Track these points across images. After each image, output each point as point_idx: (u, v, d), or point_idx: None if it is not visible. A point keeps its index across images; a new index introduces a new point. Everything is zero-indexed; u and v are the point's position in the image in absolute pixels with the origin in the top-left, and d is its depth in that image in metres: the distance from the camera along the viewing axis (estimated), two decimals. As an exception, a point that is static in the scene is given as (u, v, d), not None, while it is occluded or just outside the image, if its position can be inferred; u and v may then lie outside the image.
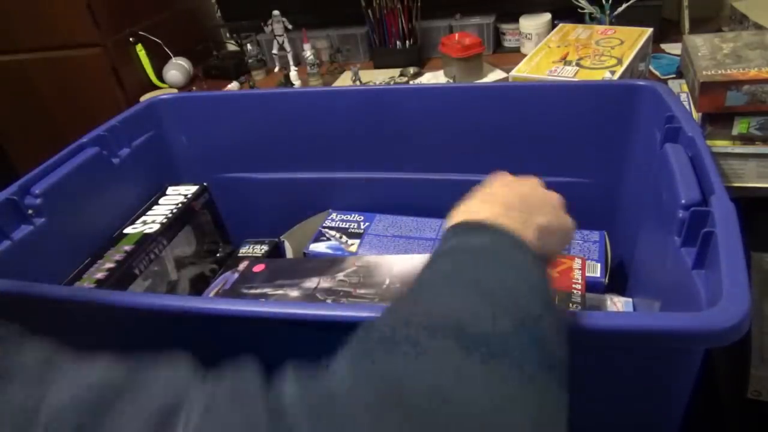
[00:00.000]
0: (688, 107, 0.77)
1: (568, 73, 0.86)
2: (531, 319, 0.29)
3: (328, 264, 0.71)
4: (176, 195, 0.82)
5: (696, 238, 0.45)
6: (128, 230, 0.75)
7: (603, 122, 0.73)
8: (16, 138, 1.60)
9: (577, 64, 0.89)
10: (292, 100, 0.83)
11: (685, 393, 0.44)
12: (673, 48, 1.17)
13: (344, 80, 1.34)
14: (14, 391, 0.25)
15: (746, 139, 0.72)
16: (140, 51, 1.43)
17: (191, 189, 0.83)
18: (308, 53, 1.33)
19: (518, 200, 0.38)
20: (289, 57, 1.40)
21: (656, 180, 0.59)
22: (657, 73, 1.08)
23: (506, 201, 0.37)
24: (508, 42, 1.36)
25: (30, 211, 0.64)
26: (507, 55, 1.33)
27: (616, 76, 0.83)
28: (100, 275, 0.66)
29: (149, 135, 0.84)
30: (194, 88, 1.46)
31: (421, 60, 1.36)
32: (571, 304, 0.61)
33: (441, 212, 0.81)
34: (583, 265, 0.67)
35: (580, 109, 0.73)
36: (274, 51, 1.44)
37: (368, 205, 0.86)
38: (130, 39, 1.42)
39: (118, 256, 0.69)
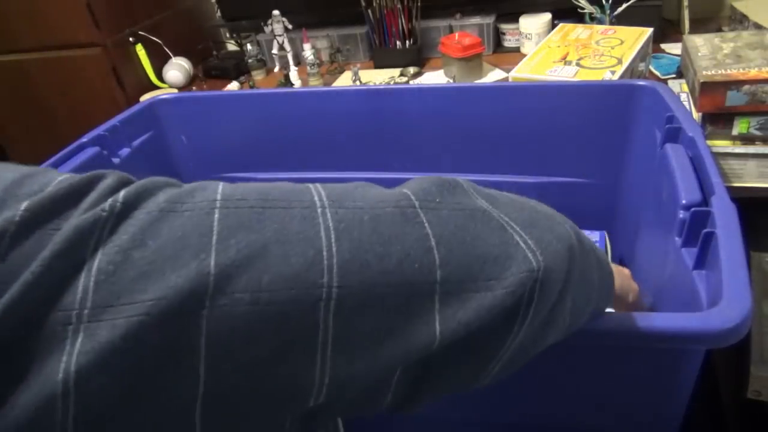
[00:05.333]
0: (688, 107, 0.77)
1: (568, 73, 0.86)
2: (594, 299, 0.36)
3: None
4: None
5: (696, 238, 0.45)
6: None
7: (603, 122, 0.73)
8: (16, 138, 1.60)
9: (577, 64, 0.89)
10: (292, 100, 0.83)
11: (685, 393, 0.44)
12: (673, 48, 1.17)
13: (344, 80, 1.34)
14: None
15: (746, 139, 0.72)
16: (140, 51, 1.43)
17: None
18: (308, 53, 1.33)
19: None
20: (289, 57, 1.40)
21: (656, 180, 0.59)
22: (657, 73, 1.08)
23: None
24: (508, 42, 1.36)
25: (30, 211, 0.64)
26: (507, 55, 1.33)
27: (616, 76, 0.83)
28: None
29: (149, 135, 0.84)
30: (194, 88, 1.46)
31: (421, 60, 1.36)
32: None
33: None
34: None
35: (580, 109, 0.73)
36: (274, 51, 1.44)
37: (368, 205, 0.87)
38: (130, 39, 1.42)
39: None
